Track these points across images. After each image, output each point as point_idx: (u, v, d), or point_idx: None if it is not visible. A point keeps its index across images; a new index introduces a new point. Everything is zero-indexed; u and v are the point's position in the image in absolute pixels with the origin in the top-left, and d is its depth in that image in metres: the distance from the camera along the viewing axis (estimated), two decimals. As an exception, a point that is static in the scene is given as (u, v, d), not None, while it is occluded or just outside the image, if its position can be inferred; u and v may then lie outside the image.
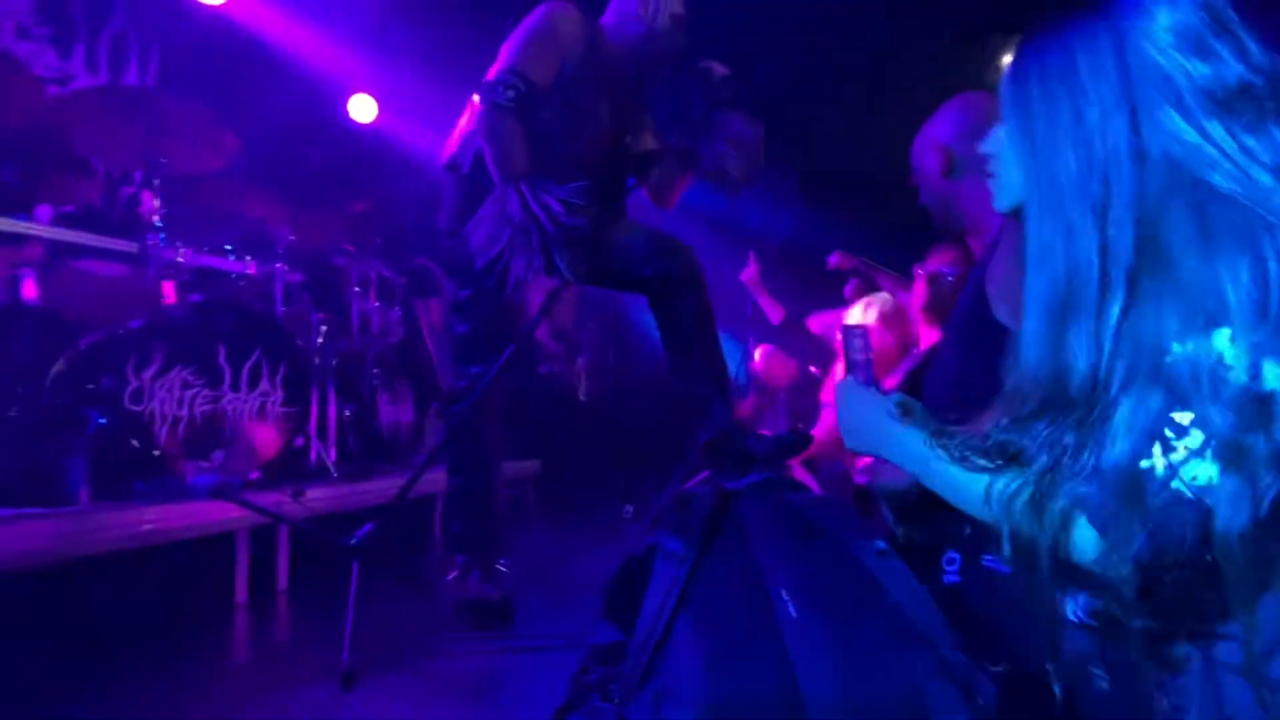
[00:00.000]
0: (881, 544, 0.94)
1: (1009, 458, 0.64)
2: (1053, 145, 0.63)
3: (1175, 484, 0.54)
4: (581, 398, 4.46)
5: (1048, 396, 0.61)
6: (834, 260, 3.13)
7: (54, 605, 1.72)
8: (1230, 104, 0.59)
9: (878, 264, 2.73)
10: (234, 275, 2.48)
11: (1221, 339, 0.53)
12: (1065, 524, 0.59)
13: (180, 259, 2.32)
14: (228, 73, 3.33)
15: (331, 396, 2.64)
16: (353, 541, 1.51)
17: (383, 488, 2.43)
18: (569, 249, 1.64)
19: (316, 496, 2.23)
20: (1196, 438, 0.53)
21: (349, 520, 2.10)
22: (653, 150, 1.97)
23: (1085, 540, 0.59)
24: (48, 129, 2.36)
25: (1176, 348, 0.55)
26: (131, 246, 2.25)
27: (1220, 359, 0.53)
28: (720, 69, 1.87)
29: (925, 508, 1.08)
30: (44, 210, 2.24)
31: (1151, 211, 0.59)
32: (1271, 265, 0.53)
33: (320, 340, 2.66)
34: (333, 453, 2.60)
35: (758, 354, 3.55)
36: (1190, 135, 0.59)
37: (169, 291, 2.41)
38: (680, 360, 1.92)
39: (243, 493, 2.08)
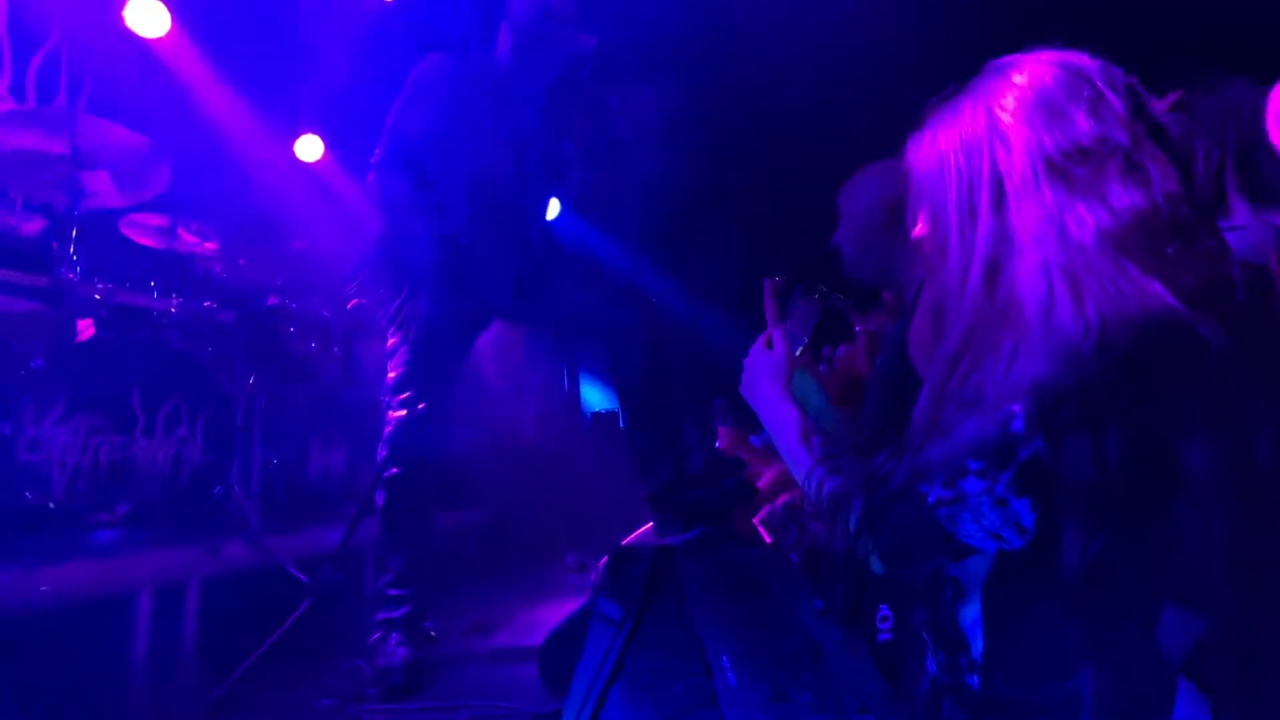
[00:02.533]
0: (820, 603, 0.93)
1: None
2: (943, 209, 0.70)
3: (938, 512, 0.63)
4: (528, 443, 4.36)
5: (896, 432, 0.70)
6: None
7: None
8: (1070, 169, 0.64)
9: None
10: (156, 314, 2.34)
11: (1019, 419, 0.58)
12: (844, 510, 0.69)
13: (97, 295, 2.18)
14: (164, 104, 3.22)
15: (257, 443, 2.50)
16: (307, 580, 1.44)
17: (309, 540, 2.29)
18: (461, 285, 1.68)
19: (235, 550, 2.07)
20: (970, 485, 0.61)
21: (272, 574, 1.96)
22: (560, 162, 1.96)
23: (846, 532, 0.70)
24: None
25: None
26: (41, 281, 2.10)
27: (1017, 436, 0.59)
28: (589, 41, 1.80)
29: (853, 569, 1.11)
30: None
31: (1009, 279, 0.64)
32: None
33: (249, 383, 2.52)
34: (255, 504, 2.44)
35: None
36: (1036, 206, 0.64)
37: (84, 329, 2.26)
38: (627, 411, 1.91)
39: (151, 547, 1.92)
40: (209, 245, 2.60)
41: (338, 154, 3.85)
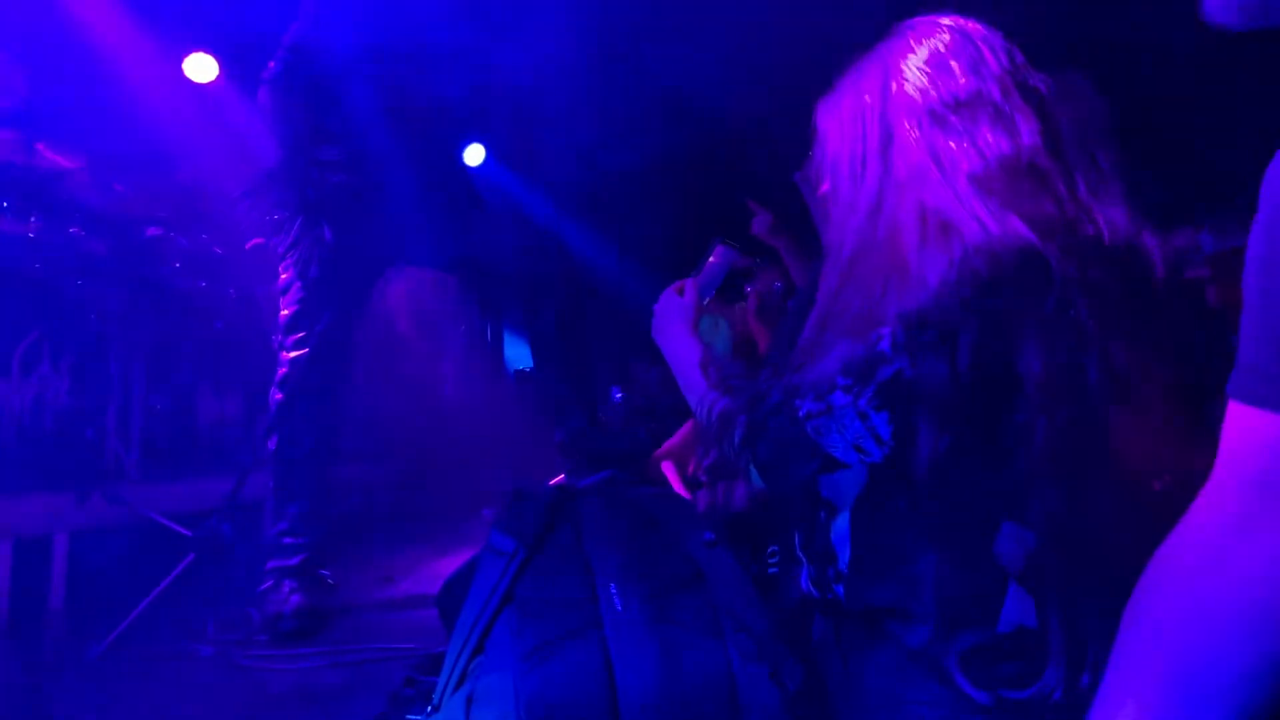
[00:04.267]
0: (709, 534, 0.95)
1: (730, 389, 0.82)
2: (838, 158, 0.79)
3: (808, 425, 0.68)
4: (444, 397, 4.25)
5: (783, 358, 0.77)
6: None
7: None
8: (948, 117, 0.72)
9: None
10: (8, 236, 2.08)
11: (885, 339, 0.65)
12: (730, 427, 0.75)
13: (-67, 214, 1.92)
14: (24, 3, 2.82)
15: (137, 386, 2.30)
16: (191, 534, 1.34)
17: (197, 491, 2.15)
18: (359, 217, 1.61)
19: (109, 504, 1.92)
20: (838, 399, 0.66)
21: (153, 527, 1.84)
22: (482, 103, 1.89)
23: (730, 446, 0.76)
24: None
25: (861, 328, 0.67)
26: None
27: (882, 355, 0.64)
28: None
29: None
30: None
31: (889, 216, 0.71)
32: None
33: (126, 321, 2.31)
34: (135, 451, 2.26)
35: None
36: (918, 148, 0.72)
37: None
38: (540, 360, 1.89)
39: (12, 495, 1.74)
40: (74, 165, 2.33)
41: (233, 74, 3.51)
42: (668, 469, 2.03)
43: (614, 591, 0.85)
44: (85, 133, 2.68)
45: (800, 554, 0.78)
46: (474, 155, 3.77)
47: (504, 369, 4.63)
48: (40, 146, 2.27)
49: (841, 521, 0.73)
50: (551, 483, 1.74)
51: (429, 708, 0.85)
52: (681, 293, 1.00)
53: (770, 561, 1.13)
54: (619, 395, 2.97)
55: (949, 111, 0.71)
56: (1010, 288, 0.62)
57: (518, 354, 4.38)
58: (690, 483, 1.58)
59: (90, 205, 2.32)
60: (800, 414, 0.68)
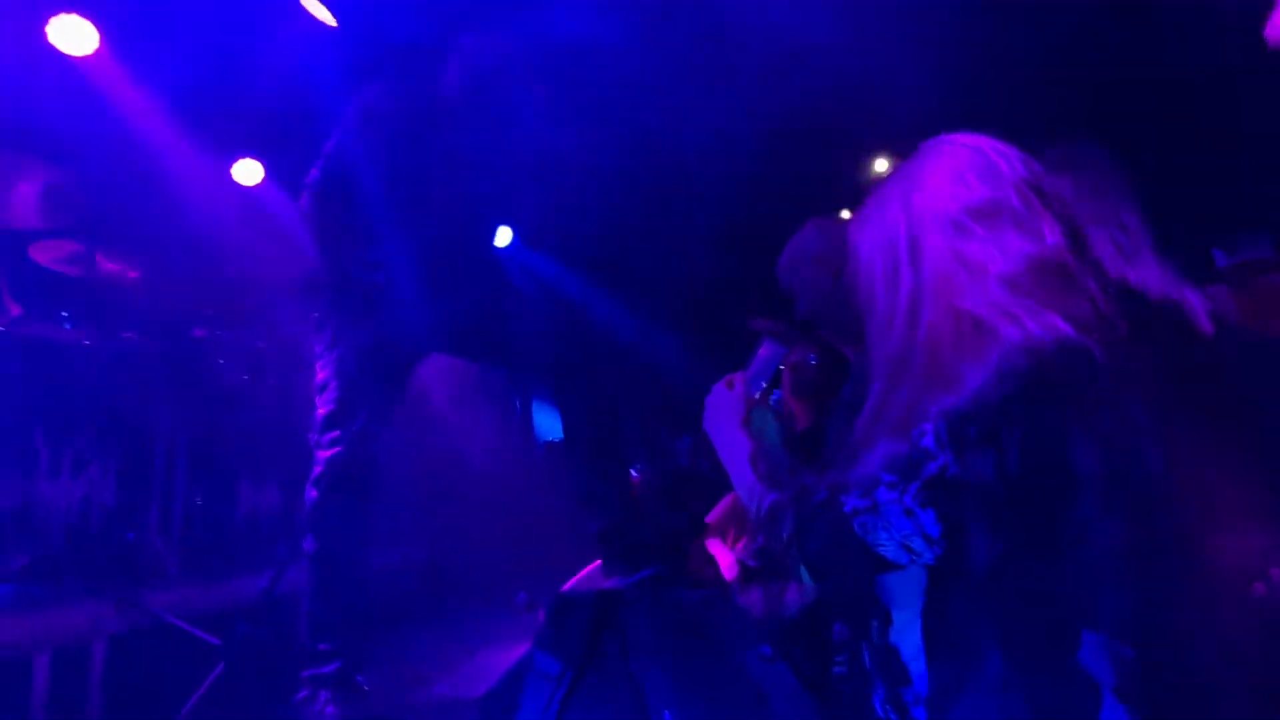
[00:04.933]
0: (767, 649, 0.90)
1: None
2: (872, 266, 0.82)
3: (854, 521, 0.69)
4: (475, 474, 4.24)
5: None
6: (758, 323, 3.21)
7: None
8: (970, 225, 0.75)
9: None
10: (67, 346, 2.18)
11: (929, 436, 0.66)
12: (779, 521, 0.77)
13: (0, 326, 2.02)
14: (87, 125, 3.06)
15: (180, 483, 2.34)
16: (233, 637, 1.32)
17: (234, 590, 2.14)
18: (394, 313, 1.63)
19: (151, 601, 1.91)
20: (883, 495, 0.67)
21: (196, 625, 1.82)
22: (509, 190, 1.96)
23: (779, 541, 0.77)
24: None
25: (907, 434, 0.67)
26: (-64, 311, 1.94)
27: (926, 451, 0.65)
28: (541, 91, 1.82)
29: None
30: None
31: (925, 321, 0.74)
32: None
33: (170, 420, 2.37)
34: (175, 550, 2.27)
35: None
36: (944, 256, 0.74)
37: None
38: (574, 448, 1.87)
39: (49, 601, 1.75)
40: (131, 274, 2.46)
41: (277, 178, 3.73)
42: (714, 547, 1.96)
43: (668, 718, 0.80)
44: (138, 239, 2.85)
45: (869, 669, 0.74)
46: (501, 238, 3.90)
47: (535, 444, 4.62)
48: (99, 257, 2.40)
49: (902, 632, 0.71)
50: (583, 579, 1.70)
51: None
52: (731, 386, 1.02)
53: (837, 660, 1.06)
54: (636, 475, 2.92)
55: (970, 220, 0.76)
56: (1054, 383, 0.63)
57: (549, 427, 4.38)
58: (743, 572, 1.52)
59: (142, 309, 2.44)
60: (847, 509, 0.69)
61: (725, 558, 2.00)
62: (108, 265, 2.42)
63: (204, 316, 2.67)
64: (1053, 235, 0.72)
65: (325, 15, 2.61)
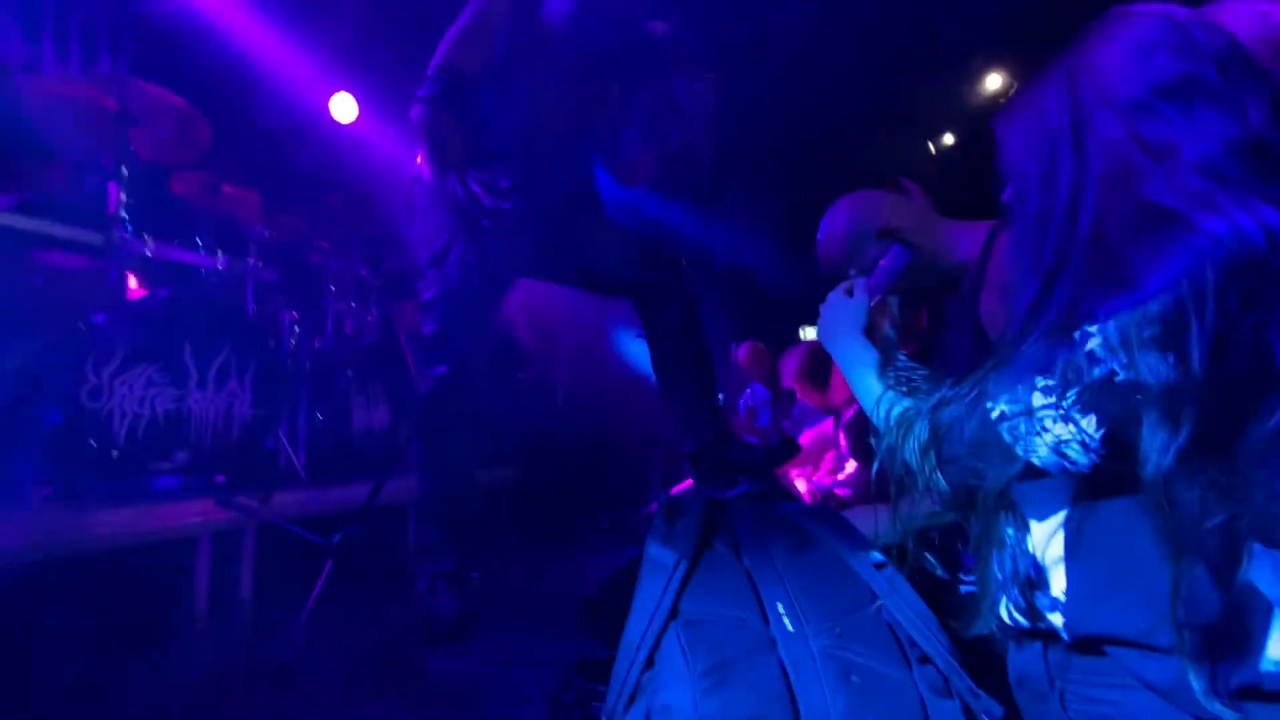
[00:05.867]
0: (878, 555, 0.92)
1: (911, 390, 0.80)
2: (1025, 158, 0.74)
3: (1001, 426, 0.65)
4: (560, 404, 4.40)
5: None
6: None
7: (4, 609, 1.62)
8: (1156, 103, 0.66)
9: None
10: (204, 270, 2.39)
11: (1096, 339, 0.60)
12: (910, 429, 0.73)
13: (148, 252, 2.23)
14: (204, 66, 3.24)
15: (303, 399, 2.56)
16: (333, 540, 1.46)
17: (354, 493, 2.35)
18: (512, 236, 1.63)
19: (285, 501, 2.15)
20: (1037, 400, 0.63)
21: (319, 525, 2.02)
22: (617, 129, 1.88)
23: (912, 450, 0.73)
24: (13, 114, 2.26)
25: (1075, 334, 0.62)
26: (96, 238, 2.15)
27: (1091, 355, 0.60)
28: (660, 27, 1.78)
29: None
30: (4, 198, 2.14)
31: (1092, 215, 0.67)
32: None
33: (293, 341, 2.58)
34: (303, 456, 2.51)
35: (741, 348, 3.56)
36: (1123, 141, 0.66)
37: (134, 285, 2.32)
38: (665, 371, 1.89)
39: (207, 496, 1.99)
40: (250, 202, 2.63)
41: (372, 112, 3.84)
42: (798, 474, 1.98)
43: (783, 611, 0.84)
44: (255, 170, 3.03)
45: (998, 577, 0.73)
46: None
47: (621, 375, 4.72)
48: (225, 187, 2.58)
49: (1048, 543, 0.68)
50: (682, 492, 1.74)
51: (602, 718, 0.87)
52: (850, 293, 0.98)
53: (965, 580, 1.06)
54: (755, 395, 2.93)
55: (1158, 99, 0.66)
56: (1259, 279, 0.57)
57: (637, 359, 4.45)
58: (829, 499, 1.53)
59: (262, 238, 2.62)
60: (993, 414, 0.65)
61: (807, 487, 2.01)
62: (230, 194, 2.61)
63: (316, 246, 2.85)
64: (1259, 114, 0.64)
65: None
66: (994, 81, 4.59)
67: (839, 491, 1.99)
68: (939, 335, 1.36)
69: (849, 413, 1.86)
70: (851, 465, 1.88)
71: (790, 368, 2.71)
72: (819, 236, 1.38)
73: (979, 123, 4.60)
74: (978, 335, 1.12)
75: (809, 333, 4.81)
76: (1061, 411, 0.61)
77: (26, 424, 1.83)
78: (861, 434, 1.81)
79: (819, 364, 2.42)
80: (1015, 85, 4.46)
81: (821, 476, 2.07)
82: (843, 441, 1.89)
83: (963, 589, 0.92)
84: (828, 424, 2.27)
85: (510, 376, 4.06)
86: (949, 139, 4.78)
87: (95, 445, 1.90)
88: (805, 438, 2.02)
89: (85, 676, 1.42)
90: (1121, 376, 0.59)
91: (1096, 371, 0.60)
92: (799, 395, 2.60)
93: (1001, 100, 4.64)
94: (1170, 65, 0.67)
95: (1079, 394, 0.61)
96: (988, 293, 1.13)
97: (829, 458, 2.09)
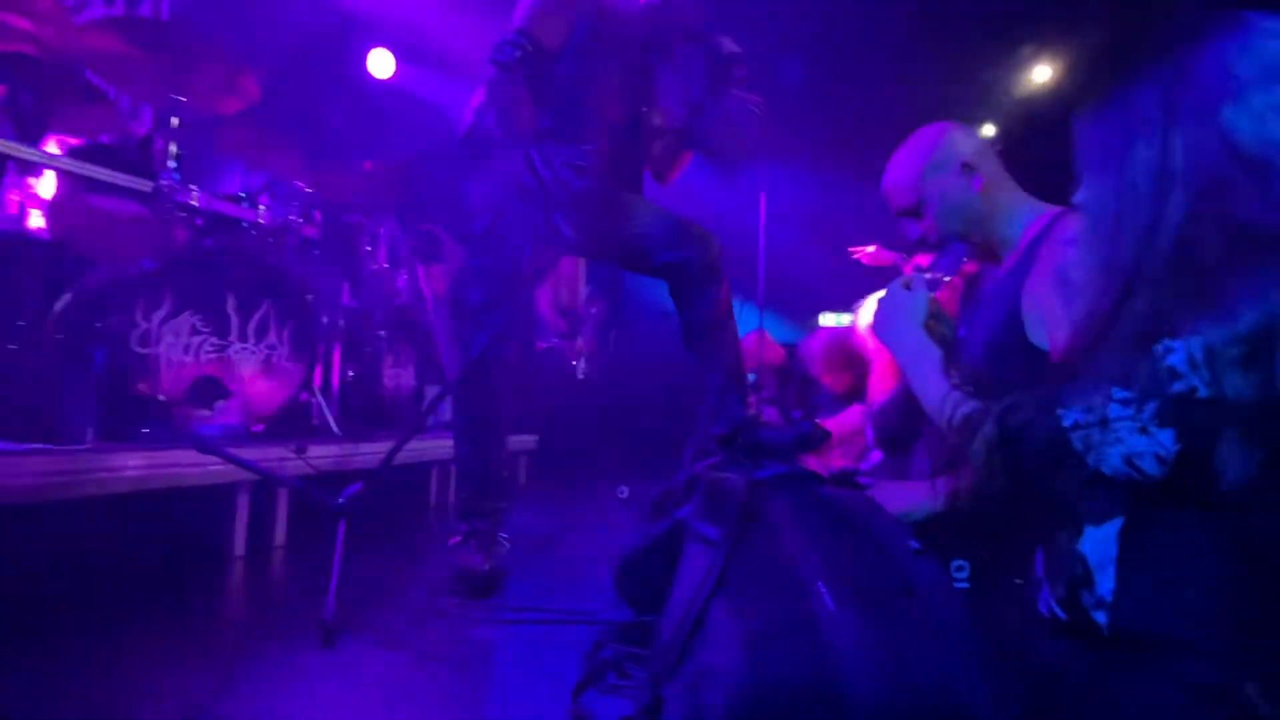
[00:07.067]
0: (915, 543, 0.95)
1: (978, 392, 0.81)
2: (1105, 160, 0.71)
3: (1073, 435, 0.65)
4: (579, 376, 4.45)
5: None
6: (868, 256, 3.11)
7: (50, 543, 1.70)
8: (1261, 117, 0.63)
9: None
10: (247, 224, 2.43)
11: (1178, 354, 0.60)
12: (977, 431, 0.74)
13: (194, 201, 2.27)
14: (246, 18, 3.23)
15: (337, 355, 2.61)
16: (340, 500, 1.49)
17: (383, 449, 2.41)
18: (573, 213, 1.64)
19: (318, 454, 2.21)
20: (1114, 411, 0.63)
21: (349, 479, 2.09)
22: (657, 124, 1.90)
23: (977, 451, 0.74)
24: (63, 56, 2.28)
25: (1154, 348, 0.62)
26: (145, 184, 2.19)
27: (1172, 370, 0.60)
28: (729, 45, 1.80)
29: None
30: (56, 140, 2.17)
31: (1177, 227, 0.64)
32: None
33: (330, 297, 2.62)
34: (335, 411, 2.57)
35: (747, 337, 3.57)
36: (1218, 149, 0.64)
37: (179, 233, 2.36)
38: (698, 350, 1.91)
39: (245, 445, 2.06)
40: (292, 158, 2.65)
41: (410, 72, 3.82)
42: (830, 460, 2.00)
43: (823, 590, 0.88)
44: (298, 131, 3.05)
45: (1046, 572, 0.76)
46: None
47: (636, 350, 4.75)
48: (268, 142, 2.60)
49: (1099, 543, 0.70)
50: (712, 468, 1.78)
51: (648, 678, 0.92)
52: (908, 286, 0.98)
53: (958, 576, 1.11)
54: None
55: (1264, 112, 0.63)
56: None
57: (659, 337, 4.48)
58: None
59: (302, 194, 2.64)
60: (1066, 423, 0.65)
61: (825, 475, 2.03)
62: (273, 150, 2.62)
63: (352, 204, 2.87)
64: None
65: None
66: (1042, 73, 4.49)
67: (859, 481, 2.02)
68: (962, 304, 1.36)
69: (879, 403, 1.89)
70: (875, 456, 1.90)
71: (815, 355, 2.72)
72: (893, 161, 1.33)
73: (1024, 113, 4.51)
74: (1012, 313, 1.11)
75: (827, 319, 4.80)
76: (1140, 424, 0.61)
77: (78, 363, 1.89)
78: (888, 426, 1.83)
79: (847, 351, 2.44)
80: (1061, 76, 4.37)
81: (842, 465, 2.10)
82: (869, 431, 1.91)
83: (1000, 580, 0.95)
84: (851, 413, 2.29)
85: (530, 344, 4.11)
86: (989, 129, 4.69)
87: (143, 389, 1.96)
88: (834, 423, 2.04)
89: (128, 608, 1.49)
90: (1203, 393, 0.59)
91: (1176, 386, 0.60)
92: (825, 383, 2.62)
93: (1047, 91, 4.52)
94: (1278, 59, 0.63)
95: (1157, 408, 0.61)
96: (1037, 276, 1.12)
97: (851, 447, 2.12)
